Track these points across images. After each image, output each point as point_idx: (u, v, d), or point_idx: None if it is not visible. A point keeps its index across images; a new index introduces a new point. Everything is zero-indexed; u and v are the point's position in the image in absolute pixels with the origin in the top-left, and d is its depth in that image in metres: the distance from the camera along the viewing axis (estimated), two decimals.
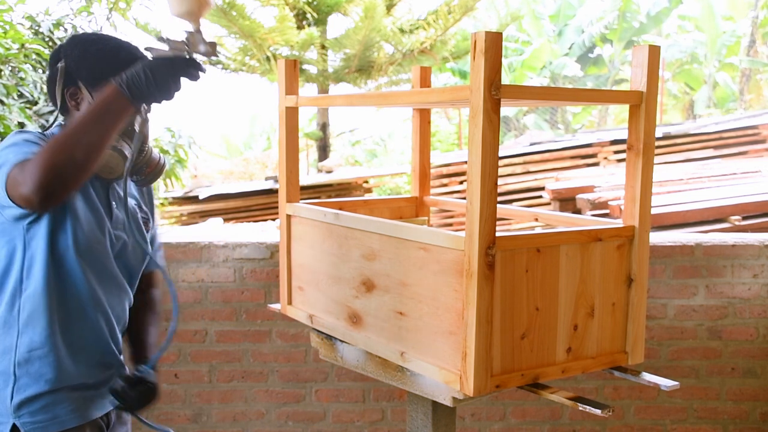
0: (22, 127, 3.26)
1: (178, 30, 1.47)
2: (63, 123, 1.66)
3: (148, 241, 1.78)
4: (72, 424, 1.58)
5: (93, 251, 1.61)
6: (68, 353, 1.59)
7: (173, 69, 1.39)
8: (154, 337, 1.87)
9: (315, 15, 12.69)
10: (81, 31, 4.17)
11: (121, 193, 1.64)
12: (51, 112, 4.44)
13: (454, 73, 17.55)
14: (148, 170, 1.70)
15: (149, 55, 1.42)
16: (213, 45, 1.45)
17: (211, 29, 12.54)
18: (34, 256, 1.53)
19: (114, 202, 1.68)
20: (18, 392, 1.54)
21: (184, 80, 1.42)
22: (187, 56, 1.42)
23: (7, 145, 1.47)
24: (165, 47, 1.43)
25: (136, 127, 1.59)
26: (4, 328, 1.55)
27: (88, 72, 1.57)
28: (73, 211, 1.56)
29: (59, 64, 1.59)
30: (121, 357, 1.75)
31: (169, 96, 1.40)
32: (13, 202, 1.41)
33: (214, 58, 1.48)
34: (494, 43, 1.42)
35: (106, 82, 1.44)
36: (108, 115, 1.35)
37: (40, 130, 1.64)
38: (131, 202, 1.74)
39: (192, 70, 1.41)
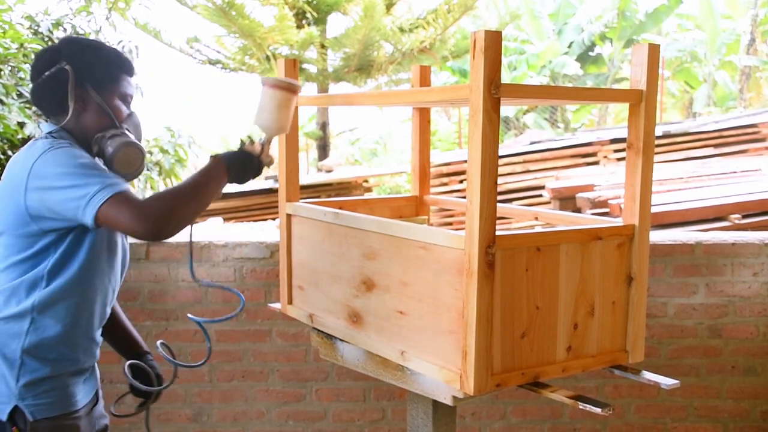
0: (22, 127, 3.25)
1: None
2: (60, 127, 1.71)
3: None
4: (69, 408, 1.70)
5: (113, 251, 1.77)
6: (73, 342, 1.71)
7: (258, 169, 1.76)
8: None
9: (315, 14, 12.70)
10: (81, 32, 4.17)
11: None
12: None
13: (454, 72, 17.54)
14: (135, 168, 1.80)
15: (240, 144, 1.76)
16: (272, 159, 1.83)
17: (210, 28, 12.56)
18: (59, 259, 1.64)
19: None
20: (23, 376, 1.64)
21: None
22: (260, 160, 1.77)
23: (67, 166, 1.57)
24: (248, 143, 1.78)
25: (141, 129, 1.80)
26: (16, 317, 1.64)
27: (98, 75, 1.70)
28: None
29: (65, 66, 1.66)
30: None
31: (242, 183, 1.74)
32: (98, 225, 1.54)
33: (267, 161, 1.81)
34: (494, 42, 1.42)
35: (112, 85, 1.71)
36: (217, 188, 1.67)
37: (46, 134, 1.70)
38: None
39: (259, 171, 1.77)
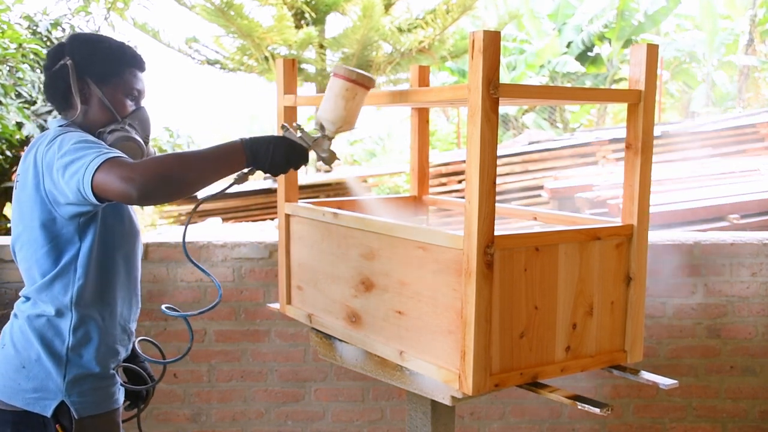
0: (21, 127, 3.25)
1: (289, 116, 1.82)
2: (69, 120, 1.69)
3: None
4: (112, 406, 1.71)
5: (134, 236, 1.77)
6: (112, 333, 1.72)
7: (293, 156, 1.56)
8: None
9: (313, 14, 12.69)
10: (79, 31, 4.16)
11: None
12: (49, 112, 4.43)
13: (453, 72, 17.53)
14: None
15: (281, 132, 1.61)
16: (334, 155, 1.62)
17: (209, 29, 12.56)
18: (88, 249, 1.63)
19: None
20: (70, 371, 1.64)
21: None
22: (307, 150, 1.59)
23: (69, 145, 1.53)
24: (297, 133, 1.60)
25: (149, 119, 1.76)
26: (57, 315, 1.64)
27: (98, 69, 1.67)
28: (121, 206, 1.71)
29: (67, 62, 1.65)
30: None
31: (275, 174, 1.57)
32: (97, 196, 1.47)
33: (324, 165, 1.62)
34: (493, 42, 1.42)
35: (114, 79, 1.67)
36: (225, 164, 1.52)
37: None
38: None
39: (303, 163, 1.59)
